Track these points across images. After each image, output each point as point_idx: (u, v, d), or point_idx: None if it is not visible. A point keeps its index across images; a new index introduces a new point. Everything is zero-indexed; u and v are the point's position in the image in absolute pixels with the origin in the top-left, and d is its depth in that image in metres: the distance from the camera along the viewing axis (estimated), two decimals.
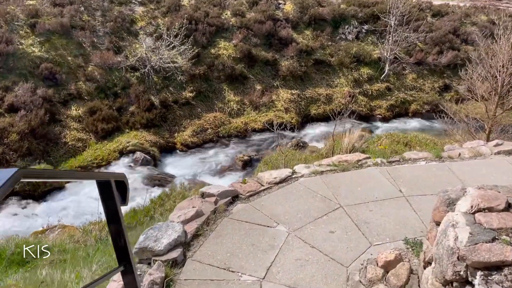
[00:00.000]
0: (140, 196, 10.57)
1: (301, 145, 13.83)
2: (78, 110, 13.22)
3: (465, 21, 19.84)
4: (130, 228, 8.06)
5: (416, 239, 3.72)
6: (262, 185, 4.89)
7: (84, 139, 12.68)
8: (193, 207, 4.28)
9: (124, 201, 2.42)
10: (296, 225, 4.11)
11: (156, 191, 10.68)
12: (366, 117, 16.11)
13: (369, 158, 5.47)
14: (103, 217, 9.46)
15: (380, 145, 13.37)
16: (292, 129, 15.10)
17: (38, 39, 13.99)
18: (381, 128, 15.64)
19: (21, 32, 13.95)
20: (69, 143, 12.33)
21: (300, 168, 5.29)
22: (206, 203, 4.40)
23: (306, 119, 16.11)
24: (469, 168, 5.10)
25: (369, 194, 4.54)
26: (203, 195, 4.60)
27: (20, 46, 13.49)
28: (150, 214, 8.56)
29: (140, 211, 8.76)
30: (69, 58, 14.16)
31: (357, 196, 4.53)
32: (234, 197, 4.67)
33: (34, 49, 13.69)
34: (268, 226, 4.13)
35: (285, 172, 5.07)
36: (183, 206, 4.37)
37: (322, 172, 5.10)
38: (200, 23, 16.68)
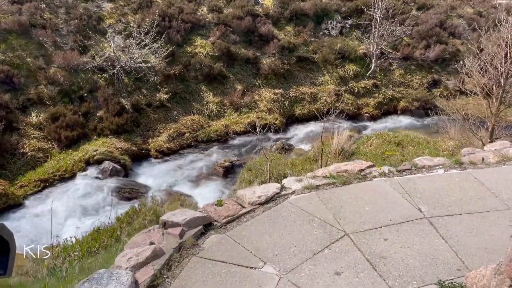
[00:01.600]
0: (106, 212, 9.36)
1: (286, 148, 12.81)
2: (39, 116, 11.90)
3: (451, 14, 19.15)
4: (91, 254, 6.90)
5: (453, 282, 2.72)
6: (243, 207, 3.84)
7: (46, 149, 11.38)
8: (150, 243, 3.20)
9: (4, 270, 1.41)
10: (289, 264, 3.08)
11: (126, 206, 9.49)
12: (354, 116, 15.20)
13: (373, 166, 4.48)
14: (61, 238, 8.24)
15: (370, 146, 12.48)
16: (276, 131, 14.05)
17: None
18: (370, 127, 14.75)
19: None
20: (28, 153, 11.02)
21: (290, 182, 4.25)
22: (168, 236, 3.33)
23: (291, 120, 15.11)
24: (500, 177, 4.14)
25: (381, 216, 3.54)
26: (165, 225, 3.52)
27: None
28: (116, 235, 7.38)
29: (104, 231, 7.57)
30: (29, 59, 12.81)
31: (366, 219, 3.52)
32: (206, 225, 3.61)
33: None
34: (251, 268, 3.07)
35: (271, 188, 4.03)
36: (137, 242, 3.28)
37: (318, 187, 4.08)
38: (174, 20, 15.50)
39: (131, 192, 10.22)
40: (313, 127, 14.64)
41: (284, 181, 4.28)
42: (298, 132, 14.42)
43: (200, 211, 3.84)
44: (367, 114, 15.37)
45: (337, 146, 11.40)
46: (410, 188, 3.96)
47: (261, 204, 3.84)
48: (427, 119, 15.18)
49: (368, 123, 15.03)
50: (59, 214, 9.14)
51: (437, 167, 4.48)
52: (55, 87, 12.50)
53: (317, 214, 3.61)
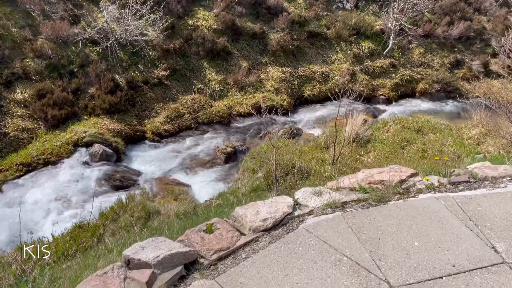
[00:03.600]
0: (95, 202, 8.39)
1: (295, 133, 11.70)
2: (24, 93, 10.84)
3: None
4: (67, 257, 5.96)
5: None
6: (242, 234, 2.81)
7: (31, 129, 10.36)
8: None
9: None
10: None
11: (115, 196, 8.50)
12: (369, 98, 13.98)
13: (416, 175, 3.39)
14: (39, 234, 7.29)
15: (387, 132, 11.34)
16: (284, 113, 12.95)
17: None
18: (386, 111, 13.56)
19: None
20: (11, 134, 10.01)
21: (306, 195, 3.19)
22: (131, 284, 2.29)
23: (300, 101, 13.95)
24: None
25: (439, 258, 2.49)
26: (128, 264, 2.48)
27: None
28: (98, 234, 6.42)
29: (86, 228, 6.61)
30: (14, 29, 11.65)
31: (417, 261, 2.47)
32: (189, 263, 2.56)
33: None
34: None
35: (281, 206, 2.99)
36: None
37: (344, 205, 3.03)
38: None
39: (122, 180, 9.22)
40: (324, 109, 13.49)
41: (298, 194, 3.21)
42: (308, 115, 13.28)
43: (181, 241, 2.78)
44: (383, 97, 14.15)
45: (351, 132, 10.28)
46: (474, 212, 2.87)
47: (267, 230, 2.79)
48: (448, 102, 13.96)
49: (384, 106, 13.84)
50: (39, 204, 8.18)
51: (505, 180, 3.38)
52: (42, 60, 11.38)
53: (346, 250, 2.57)
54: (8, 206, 8.18)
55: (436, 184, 3.31)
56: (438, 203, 3.02)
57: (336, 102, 13.87)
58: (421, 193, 3.16)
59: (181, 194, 7.88)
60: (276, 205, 3.02)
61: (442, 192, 3.18)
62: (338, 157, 9.02)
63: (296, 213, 2.99)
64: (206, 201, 8.30)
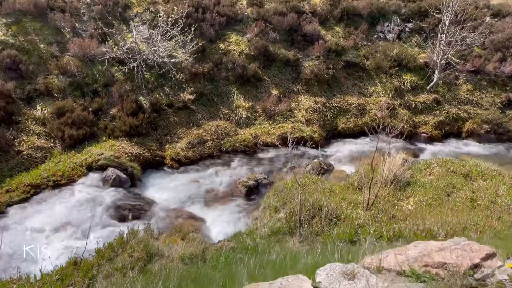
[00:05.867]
0: (96, 234, 7.64)
1: (324, 169, 10.68)
2: (44, 110, 10.44)
3: None
4: None
5: None
6: None
7: (46, 148, 9.87)
8: None
9: None
10: None
11: (121, 227, 7.72)
12: (409, 136, 12.80)
13: (493, 256, 2.36)
14: (27, 270, 6.55)
15: (429, 175, 10.12)
16: (314, 146, 11.98)
17: (4, 21, 11.31)
18: (428, 150, 12.34)
19: None
20: (24, 152, 9.53)
21: (332, 278, 2.23)
22: None
23: (332, 134, 12.97)
24: None
25: None
26: None
27: None
28: (90, 275, 5.59)
29: (80, 266, 5.80)
30: (42, 45, 11.43)
31: None
32: None
33: None
34: None
35: None
36: None
37: None
38: (208, 12, 13.78)
39: (131, 210, 8.46)
40: (358, 144, 12.44)
41: (321, 274, 2.24)
42: (340, 149, 12.25)
43: None
44: (425, 134, 12.96)
45: (388, 173, 9.14)
46: None
47: None
48: (499, 145, 12.59)
49: (425, 145, 12.62)
50: (40, 231, 7.50)
51: None
52: (66, 78, 11.03)
53: None
54: (13, 228, 7.54)
55: None
56: None
57: (372, 137, 12.85)
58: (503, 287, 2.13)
59: (191, 232, 6.99)
60: None
61: None
62: (374, 201, 7.92)
63: None
64: (219, 241, 7.38)
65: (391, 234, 6.95)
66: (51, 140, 10.10)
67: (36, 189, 8.70)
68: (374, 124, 12.70)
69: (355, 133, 12.93)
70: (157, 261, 5.86)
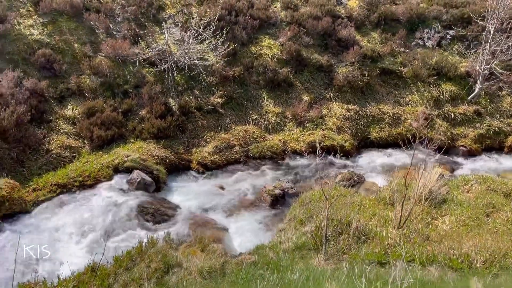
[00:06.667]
0: (116, 238, 7.56)
1: (355, 180, 10.25)
2: (75, 110, 10.53)
3: None
4: None
5: None
6: None
7: (74, 148, 9.93)
8: None
9: None
10: None
11: (142, 232, 7.62)
12: (446, 149, 12.12)
13: None
14: (45, 274, 6.51)
15: (468, 192, 9.51)
16: (344, 156, 11.58)
17: (41, 20, 11.52)
18: (466, 165, 11.65)
19: (22, 10, 11.54)
20: (53, 151, 9.61)
21: None
22: None
23: (364, 144, 12.48)
24: None
25: None
26: None
27: (17, 27, 11.06)
28: (107, 284, 5.47)
29: (97, 273, 5.68)
30: (76, 45, 11.56)
31: None
32: None
33: (33, 31, 11.21)
34: None
35: None
36: None
37: None
38: (242, 15, 13.59)
39: (154, 215, 8.35)
40: (392, 156, 11.91)
41: None
42: (372, 160, 11.76)
43: None
44: (464, 148, 12.26)
45: (423, 188, 8.61)
46: None
47: None
48: None
49: (463, 160, 11.94)
50: (62, 232, 7.49)
51: None
52: (98, 78, 11.10)
53: None
54: (37, 229, 7.57)
55: None
56: None
57: (407, 148, 12.27)
58: None
59: (211, 243, 6.77)
60: None
61: None
62: (406, 219, 7.46)
63: None
64: (240, 254, 7.14)
65: (424, 257, 6.49)
66: (80, 140, 10.16)
67: (62, 189, 8.74)
68: (409, 135, 12.21)
69: (389, 144, 12.39)
70: (175, 273, 5.68)
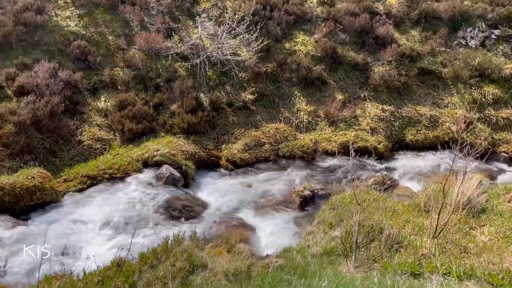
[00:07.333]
0: (143, 232, 7.53)
1: (388, 184, 9.85)
2: (107, 102, 10.61)
3: None
4: None
5: None
6: None
7: (106, 140, 10.01)
8: None
9: None
10: None
11: (167, 229, 7.55)
12: (486, 154, 11.50)
13: None
14: (72, 266, 6.53)
15: (509, 202, 8.96)
16: (378, 158, 11.16)
17: (77, 12, 11.66)
18: (508, 173, 11.03)
19: (59, 1, 11.72)
20: (85, 142, 9.72)
21: None
22: None
23: (399, 146, 12.04)
24: None
25: None
26: None
27: (54, 18, 11.23)
28: (131, 281, 5.40)
29: (123, 268, 5.63)
30: (110, 37, 11.65)
31: None
32: None
33: (70, 22, 11.36)
34: None
35: None
36: None
37: None
38: (277, 10, 13.33)
39: (182, 211, 8.28)
40: (428, 160, 11.42)
41: None
42: (406, 163, 11.30)
43: None
44: (505, 154, 11.62)
45: (461, 196, 8.14)
46: None
47: None
48: None
49: (506, 167, 11.30)
50: (90, 225, 7.52)
51: None
52: (131, 71, 11.14)
53: None
54: (67, 219, 7.64)
55: None
56: None
57: (444, 152, 11.73)
58: None
59: (238, 243, 6.62)
60: None
61: None
62: (442, 228, 7.07)
63: None
64: (267, 255, 6.95)
65: (462, 271, 6.10)
66: (111, 132, 10.23)
67: (92, 181, 8.81)
68: (447, 139, 11.69)
69: (425, 147, 11.89)
70: (200, 273, 5.55)
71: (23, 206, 7.80)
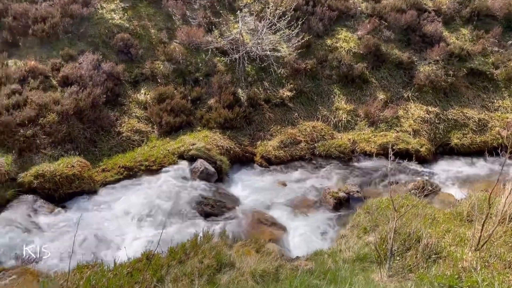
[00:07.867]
0: (175, 225, 7.57)
1: (429, 190, 9.38)
2: (147, 94, 10.77)
3: None
4: None
5: None
6: None
7: (144, 132, 10.16)
8: None
9: None
10: None
11: (199, 224, 7.56)
12: None
13: None
14: (104, 256, 6.65)
15: None
16: (419, 161, 10.68)
17: (122, 5, 11.89)
18: None
19: None
20: (124, 134, 9.91)
21: None
22: None
23: (442, 150, 11.47)
24: None
25: None
26: None
27: (99, 11, 11.52)
28: (159, 275, 5.43)
29: (152, 261, 5.67)
30: (152, 31, 11.81)
31: None
32: None
33: (114, 15, 11.61)
34: None
35: None
36: None
37: None
38: (319, 5, 13.02)
39: (214, 206, 8.26)
40: (473, 166, 10.83)
41: None
42: (450, 168, 10.75)
43: None
44: None
45: (508, 207, 7.63)
46: None
47: None
48: None
49: None
50: (124, 216, 7.65)
51: None
52: (171, 64, 11.25)
53: None
54: (102, 208, 7.83)
55: None
56: None
57: (492, 159, 11.06)
58: None
59: (267, 243, 6.52)
60: None
61: None
62: (486, 241, 6.64)
63: None
64: (296, 257, 6.80)
65: None
66: (150, 125, 10.37)
67: (129, 172, 8.97)
68: (496, 144, 11.03)
69: (471, 152, 11.27)
70: (227, 272, 5.49)
71: (62, 194, 8.05)
